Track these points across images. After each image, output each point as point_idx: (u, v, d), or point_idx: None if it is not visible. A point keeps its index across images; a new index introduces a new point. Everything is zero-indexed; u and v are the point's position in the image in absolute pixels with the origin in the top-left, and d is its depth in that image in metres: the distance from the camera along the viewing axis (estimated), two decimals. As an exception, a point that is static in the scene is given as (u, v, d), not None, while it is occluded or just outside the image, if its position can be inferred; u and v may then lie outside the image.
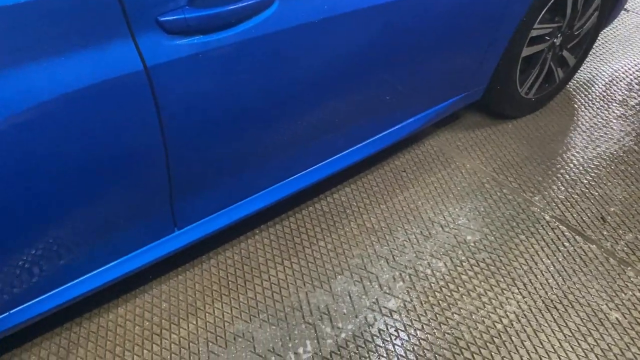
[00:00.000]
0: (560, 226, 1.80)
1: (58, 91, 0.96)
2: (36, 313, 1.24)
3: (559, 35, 2.05)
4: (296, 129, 1.47)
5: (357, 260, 1.68)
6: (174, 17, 1.02)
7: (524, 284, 1.62)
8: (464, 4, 1.56)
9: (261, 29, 1.15)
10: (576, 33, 2.12)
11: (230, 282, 1.60)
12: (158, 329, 1.48)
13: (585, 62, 2.58)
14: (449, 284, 1.62)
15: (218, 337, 1.47)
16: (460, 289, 1.61)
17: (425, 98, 1.82)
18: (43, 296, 1.23)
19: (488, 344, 1.47)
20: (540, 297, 1.58)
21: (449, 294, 1.59)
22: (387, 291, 1.59)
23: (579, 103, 2.35)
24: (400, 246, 1.73)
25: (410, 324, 1.51)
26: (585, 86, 2.45)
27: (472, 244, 1.74)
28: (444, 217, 1.82)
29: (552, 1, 1.88)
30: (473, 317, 1.53)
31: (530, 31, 1.91)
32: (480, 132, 2.18)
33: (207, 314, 1.52)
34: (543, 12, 1.89)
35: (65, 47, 0.94)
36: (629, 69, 2.57)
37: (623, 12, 3.05)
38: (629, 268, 1.66)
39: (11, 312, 1.19)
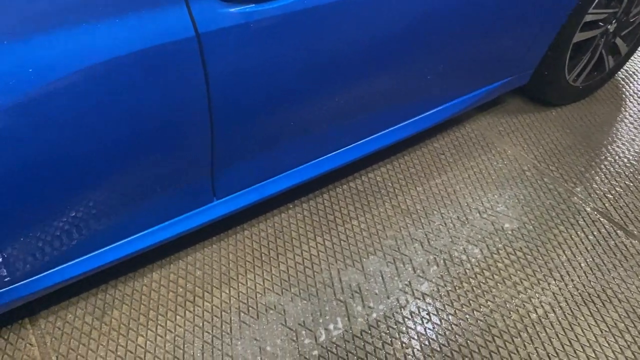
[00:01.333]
0: (602, 219, 1.75)
1: (109, 54, 0.95)
2: (77, 273, 1.26)
3: (613, 21, 1.97)
4: (337, 106, 1.45)
5: (390, 242, 1.66)
6: (229, -16, 1.00)
7: (561, 276, 1.58)
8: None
9: (312, 1, 1.12)
10: (632, 20, 2.03)
11: (263, 255, 1.61)
12: (191, 296, 1.50)
13: (637, 51, 2.48)
14: (484, 270, 1.60)
15: (250, 308, 1.48)
16: (495, 276, 1.58)
17: (470, 80, 1.77)
18: (84, 257, 1.25)
19: (521, 333, 1.44)
20: (578, 289, 1.55)
21: (483, 281, 1.57)
22: (421, 274, 1.58)
23: (627, 94, 2.27)
24: (436, 230, 1.70)
25: (442, 308, 1.50)
26: (634, 76, 2.36)
27: (510, 232, 1.70)
28: (482, 203, 1.79)
29: (610, -15, 1.80)
30: (507, 305, 1.51)
31: (584, 16, 1.83)
32: (523, 118, 2.13)
33: (240, 284, 1.53)
34: (600, -4, 1.81)
35: (118, 10, 0.94)
36: (683, 61, 2.46)
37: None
38: (672, 266, 1.62)
39: (54, 269, 1.21)
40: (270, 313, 1.47)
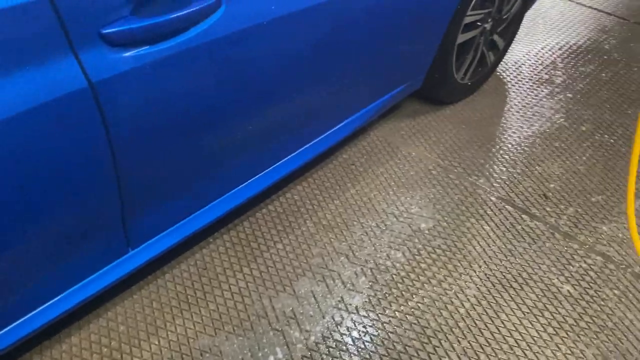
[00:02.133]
0: (507, 206, 1.87)
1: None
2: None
3: (489, 20, 2.12)
4: (247, 134, 1.43)
5: (317, 260, 1.66)
6: (118, 29, 0.95)
7: (480, 266, 1.67)
8: (401, 8, 1.58)
9: (210, 34, 1.09)
10: (504, 17, 2.20)
11: (189, 296, 1.54)
12: (118, 354, 1.40)
13: (512, 44, 2.68)
14: (409, 273, 1.64)
15: (184, 355, 1.41)
16: (421, 277, 1.63)
17: (372, 91, 1.82)
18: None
19: (453, 329, 1.50)
20: (497, 277, 1.64)
21: (410, 284, 1.61)
22: (351, 288, 1.59)
23: (510, 84, 2.45)
24: (359, 241, 1.73)
25: (377, 318, 1.52)
26: (513, 67, 2.55)
27: (427, 232, 1.77)
28: (397, 207, 1.84)
29: (482, -12, 1.93)
30: (436, 304, 1.56)
31: (463, 18, 1.95)
32: (421, 119, 2.22)
33: (169, 332, 1.45)
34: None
35: (1, 69, 0.85)
36: (552, 48, 2.70)
37: (539, -7, 3.19)
38: (574, 241, 1.76)
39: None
40: (206, 357, 1.41)
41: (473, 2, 1.93)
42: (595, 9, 3.07)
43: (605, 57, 2.66)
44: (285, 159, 1.65)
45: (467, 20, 1.98)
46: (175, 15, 1.03)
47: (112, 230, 1.23)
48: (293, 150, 1.65)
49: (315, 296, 1.57)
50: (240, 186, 1.56)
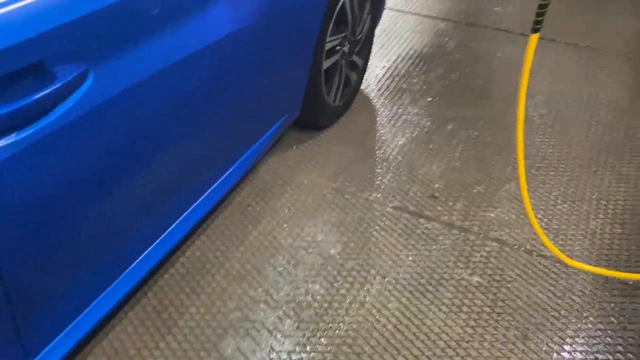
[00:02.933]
0: (403, 214, 1.94)
1: None
2: None
3: (346, 43, 2.21)
4: (134, 206, 1.33)
5: (236, 314, 1.59)
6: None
7: (395, 278, 1.71)
8: (270, 41, 1.59)
9: (78, 108, 1.00)
10: (358, 38, 2.31)
11: (106, 391, 1.39)
12: None
13: (369, 61, 2.82)
14: (332, 303, 1.63)
15: None
16: (343, 304, 1.63)
17: (255, 130, 1.81)
18: None
19: (387, 348, 1.51)
20: (413, 285, 1.69)
21: (335, 313, 1.60)
22: (278, 334, 1.54)
23: (376, 99, 2.57)
24: (274, 283, 1.68)
25: (312, 357, 1.48)
26: (375, 83, 2.69)
27: (338, 256, 1.78)
28: (304, 239, 1.83)
29: (335, 14, 2.00)
30: (365, 326, 1.57)
31: (324, 45, 2.01)
32: (304, 146, 2.24)
33: None
34: (331, 26, 2.01)
35: None
36: (403, 58, 2.88)
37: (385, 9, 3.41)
38: (469, 233, 1.87)
39: None
40: None
41: (330, 29, 2.00)
42: (430, 16, 3.34)
43: (450, 58, 2.91)
44: (181, 218, 1.56)
45: (328, 46, 2.05)
46: (38, 95, 0.92)
47: (5, 343, 1.06)
48: (186, 208, 1.57)
49: (244, 353, 1.49)
50: (137, 260, 1.45)
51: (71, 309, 1.26)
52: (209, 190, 1.66)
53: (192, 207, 1.60)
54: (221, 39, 1.37)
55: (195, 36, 1.28)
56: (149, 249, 1.48)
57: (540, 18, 1.00)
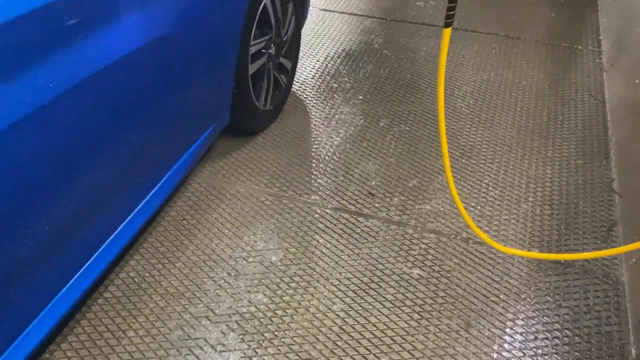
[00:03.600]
0: (343, 214, 1.94)
1: None
2: None
3: (272, 45, 2.18)
4: (50, 233, 1.25)
5: (177, 333, 1.53)
6: None
7: (338, 280, 1.70)
8: (185, 49, 1.54)
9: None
10: (284, 39, 2.29)
11: None
12: None
13: (298, 63, 2.81)
14: (276, 311, 1.60)
15: None
16: (288, 310, 1.61)
17: (180, 143, 1.74)
18: None
19: (334, 350, 1.50)
20: (355, 284, 1.69)
21: (280, 321, 1.57)
22: (222, 349, 1.50)
23: (308, 100, 2.56)
24: (215, 297, 1.64)
25: (259, 369, 1.45)
26: (306, 83, 2.67)
27: (280, 263, 1.75)
28: (243, 249, 1.79)
29: (257, 17, 1.97)
30: (311, 331, 1.55)
31: (249, 49, 1.98)
32: (237, 154, 2.20)
33: None
34: (254, 29, 1.98)
35: None
36: (332, 57, 2.89)
37: (311, 9, 3.41)
38: (407, 227, 1.89)
39: None
40: None
41: (253, 32, 1.97)
42: (356, 14, 3.37)
43: (378, 55, 2.94)
44: (109, 239, 1.49)
45: (253, 50, 2.02)
46: None
47: None
48: (113, 229, 1.50)
49: (188, 372, 1.44)
50: (64, 289, 1.36)
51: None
52: (137, 208, 1.59)
53: (119, 228, 1.52)
54: (132, 52, 1.31)
55: (101, 52, 1.22)
56: (77, 274, 1.40)
57: (451, 12, 1.01)
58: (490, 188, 2.08)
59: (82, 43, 1.15)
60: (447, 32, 1.03)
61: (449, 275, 1.73)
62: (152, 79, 1.46)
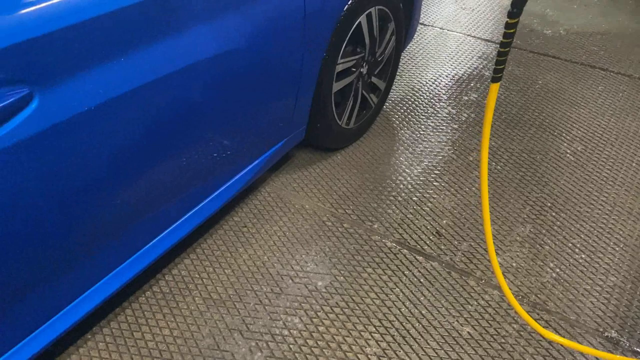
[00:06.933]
0: (402, 250, 1.83)
1: None
2: None
3: (364, 64, 2.12)
4: (107, 220, 1.31)
5: (208, 341, 1.54)
6: None
7: (379, 320, 1.61)
8: (261, 62, 1.54)
9: (20, 133, 0.98)
10: (379, 59, 2.21)
11: (64, 408, 1.38)
12: None
13: (396, 80, 2.72)
14: (307, 340, 1.55)
15: None
16: (319, 342, 1.55)
17: (248, 153, 1.75)
18: None
19: (356, 396, 1.42)
20: (397, 329, 1.58)
21: (309, 352, 1.52)
22: (246, 367, 1.48)
23: (398, 122, 2.46)
24: (253, 311, 1.63)
25: (275, 397, 1.41)
26: (400, 104, 2.58)
27: (324, 290, 1.70)
28: (292, 267, 1.76)
29: (349, 36, 1.93)
30: (337, 370, 1.48)
31: (335, 67, 1.94)
32: (312, 169, 2.17)
33: None
34: (343, 47, 1.93)
35: None
36: (436, 80, 2.76)
37: (420, 26, 3.30)
38: (470, 278, 1.74)
39: None
40: None
41: (342, 50, 1.93)
42: (474, 36, 3.19)
43: (486, 83, 2.75)
44: (166, 231, 1.54)
45: (340, 68, 1.97)
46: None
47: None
48: (173, 221, 1.55)
49: (207, 383, 1.44)
50: (115, 271, 1.43)
51: (28, 323, 1.25)
52: (193, 210, 1.63)
53: (174, 224, 1.57)
54: (201, 62, 1.33)
55: (170, 58, 1.25)
56: (129, 260, 1.46)
57: (501, 67, 0.89)
58: (577, 250, 1.84)
59: (165, 43, 1.21)
60: (495, 87, 0.91)
61: (503, 341, 1.56)
62: (225, 88, 1.47)
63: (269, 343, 1.54)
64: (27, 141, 1.00)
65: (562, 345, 1.54)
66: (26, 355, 1.23)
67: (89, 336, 1.55)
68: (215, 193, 1.72)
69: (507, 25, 0.84)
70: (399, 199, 2.04)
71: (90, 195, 1.21)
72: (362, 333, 1.57)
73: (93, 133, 1.12)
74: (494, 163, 2.23)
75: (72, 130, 1.07)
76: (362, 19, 1.97)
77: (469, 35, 3.21)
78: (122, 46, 1.13)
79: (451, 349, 1.53)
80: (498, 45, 3.09)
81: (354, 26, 1.94)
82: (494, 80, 0.91)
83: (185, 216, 1.63)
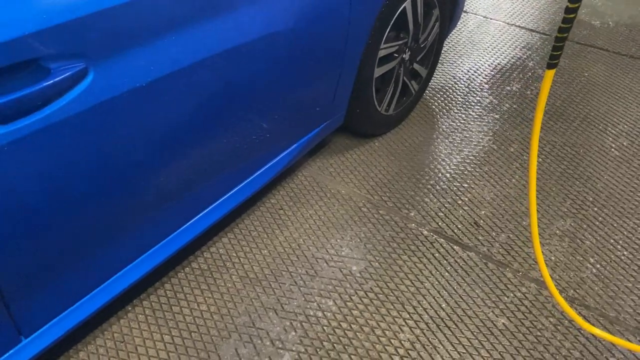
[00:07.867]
0: (439, 239, 1.82)
1: None
2: None
3: (406, 50, 2.10)
4: (150, 197, 1.34)
5: (244, 318, 1.57)
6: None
7: (414, 307, 1.61)
8: (305, 45, 1.54)
9: (77, 105, 1.01)
10: (422, 45, 2.19)
11: (105, 375, 1.43)
12: None
13: (437, 68, 2.68)
14: (341, 323, 1.57)
15: None
16: (353, 326, 1.56)
17: (288, 135, 1.77)
18: None
19: (388, 380, 1.43)
20: (431, 317, 1.58)
21: (342, 334, 1.54)
22: (280, 346, 1.51)
23: (437, 110, 2.44)
24: (288, 292, 1.65)
25: (308, 377, 1.44)
26: (440, 92, 2.55)
27: (359, 274, 1.70)
28: (327, 251, 1.78)
29: (393, 21, 1.91)
30: (370, 354, 1.49)
31: (377, 52, 1.93)
32: (350, 154, 2.18)
33: (82, 420, 1.34)
34: (387, 32, 1.92)
35: None
36: (477, 69, 2.71)
37: (462, 14, 3.24)
38: (507, 269, 1.72)
39: None
40: None
41: (385, 36, 1.91)
42: (518, 26, 3.12)
43: (529, 74, 2.70)
44: (206, 210, 1.57)
45: (382, 53, 1.96)
46: (36, 88, 0.95)
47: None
48: (214, 200, 1.58)
49: (242, 359, 1.47)
50: (154, 248, 1.47)
51: (71, 292, 1.30)
52: (232, 192, 1.65)
53: (223, 198, 1.60)
54: (247, 43, 1.34)
55: (216, 38, 1.26)
56: (171, 235, 1.50)
57: (557, 52, 0.86)
58: (619, 247, 1.80)
59: (215, 23, 1.22)
60: (550, 74, 0.88)
61: (539, 334, 1.54)
62: (271, 68, 1.47)
63: (303, 323, 1.56)
64: (81, 114, 1.03)
65: (603, 339, 1.51)
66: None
67: (129, 308, 1.60)
68: (253, 176, 1.73)
69: (567, 10, 0.82)
70: (437, 188, 2.03)
71: (136, 171, 1.24)
72: (396, 319, 1.58)
73: (144, 109, 1.15)
74: (535, 155, 2.18)
75: (125, 106, 1.10)
76: (407, 4, 1.94)
77: (512, 24, 3.14)
78: (175, 25, 1.15)
79: (485, 339, 1.52)
80: (542, 35, 3.02)
81: (399, 11, 1.92)
82: (550, 66, 0.88)
83: (224, 197, 1.65)
